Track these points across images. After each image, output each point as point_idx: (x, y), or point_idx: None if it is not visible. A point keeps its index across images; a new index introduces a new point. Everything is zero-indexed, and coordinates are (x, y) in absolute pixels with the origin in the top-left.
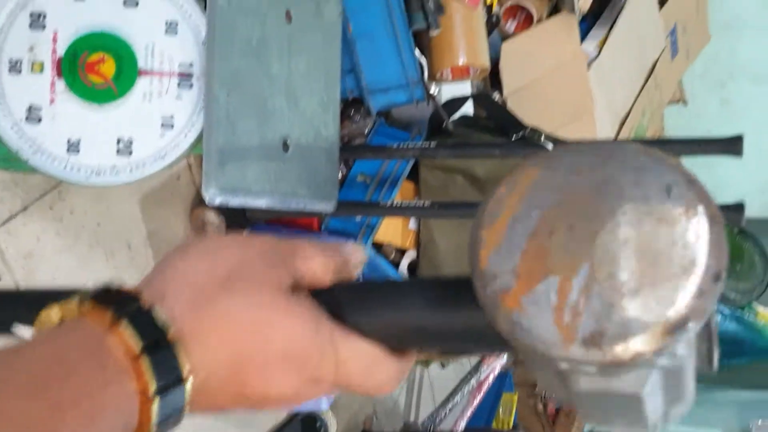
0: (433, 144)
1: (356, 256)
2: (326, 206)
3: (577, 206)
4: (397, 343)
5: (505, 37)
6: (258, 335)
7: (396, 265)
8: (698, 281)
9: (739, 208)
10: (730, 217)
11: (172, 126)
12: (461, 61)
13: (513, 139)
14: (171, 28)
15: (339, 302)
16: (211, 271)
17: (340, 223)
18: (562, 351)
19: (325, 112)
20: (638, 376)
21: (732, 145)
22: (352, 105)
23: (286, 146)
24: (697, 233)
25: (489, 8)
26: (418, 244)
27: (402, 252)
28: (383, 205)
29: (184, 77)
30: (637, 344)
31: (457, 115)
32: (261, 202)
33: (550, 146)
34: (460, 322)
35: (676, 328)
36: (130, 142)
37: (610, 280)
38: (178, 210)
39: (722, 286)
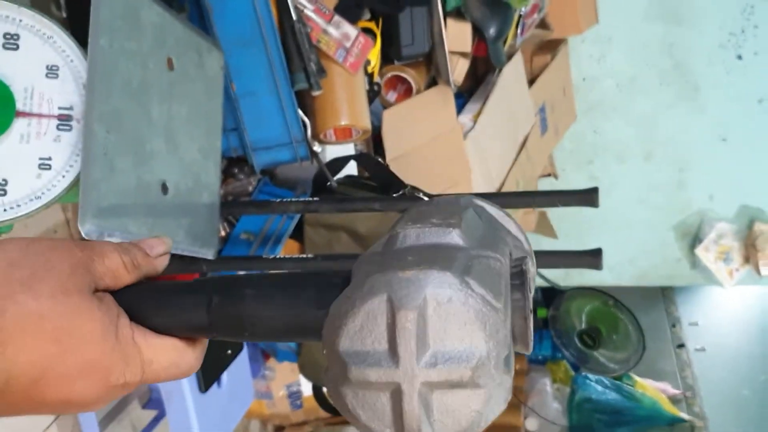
0: (316, 199)
1: (157, 249)
2: (206, 253)
3: None
4: (198, 334)
5: (386, 106)
6: (60, 345)
7: None
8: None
9: (596, 253)
10: (589, 261)
11: (50, 167)
12: (343, 121)
13: (394, 196)
14: (52, 71)
15: (139, 302)
16: (10, 272)
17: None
18: None
19: (205, 160)
20: None
21: (588, 197)
22: (236, 163)
23: (165, 189)
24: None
25: (370, 77)
26: None
27: None
28: (266, 258)
29: (64, 119)
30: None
31: (341, 175)
32: None
33: (425, 198)
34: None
35: None
36: (5, 182)
37: None
38: None
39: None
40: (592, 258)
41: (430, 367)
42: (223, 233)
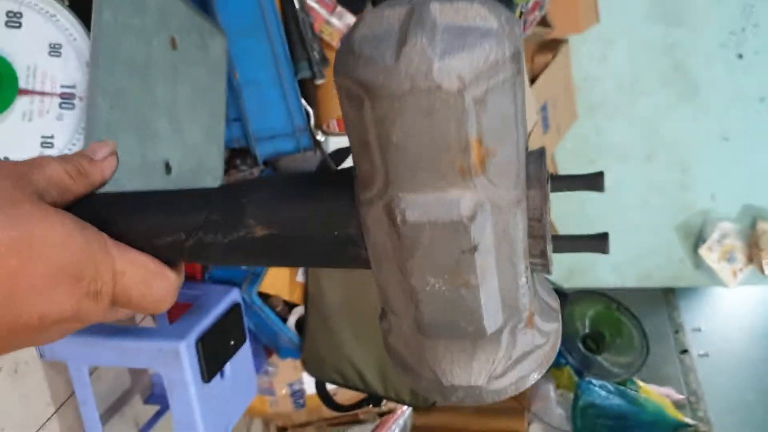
0: None
1: (100, 152)
2: None
3: None
4: (170, 253)
5: None
6: (20, 255)
7: (284, 319)
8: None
9: (603, 237)
10: (595, 245)
11: (52, 145)
12: None
13: None
14: (55, 49)
15: (101, 211)
16: None
17: (224, 271)
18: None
19: (209, 144)
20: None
21: (593, 181)
22: (238, 154)
23: (168, 168)
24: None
25: None
26: (305, 298)
27: (290, 306)
28: None
29: (67, 97)
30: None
31: (345, 165)
32: None
33: None
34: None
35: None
36: (7, 160)
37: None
38: None
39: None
40: (598, 242)
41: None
42: None
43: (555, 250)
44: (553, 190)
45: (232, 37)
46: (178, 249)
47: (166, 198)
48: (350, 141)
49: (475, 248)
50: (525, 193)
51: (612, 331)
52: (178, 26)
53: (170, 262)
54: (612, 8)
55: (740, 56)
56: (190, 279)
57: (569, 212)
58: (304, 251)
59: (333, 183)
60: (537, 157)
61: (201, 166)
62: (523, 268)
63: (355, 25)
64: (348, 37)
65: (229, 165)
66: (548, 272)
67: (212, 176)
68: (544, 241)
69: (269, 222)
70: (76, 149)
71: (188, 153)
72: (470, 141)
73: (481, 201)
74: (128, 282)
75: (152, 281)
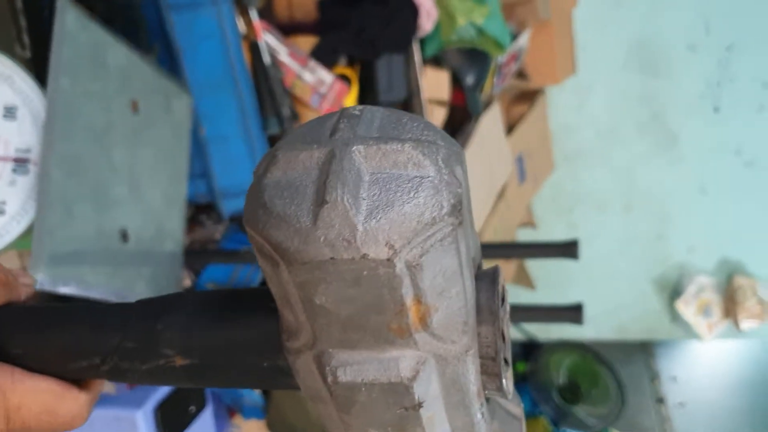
0: None
1: (23, 279)
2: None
3: None
4: (86, 374)
5: None
6: None
7: None
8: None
9: (577, 308)
10: (570, 316)
11: (4, 212)
12: None
13: None
14: (9, 112)
15: (9, 327)
16: None
17: None
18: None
19: (169, 207)
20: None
21: (568, 249)
22: (203, 210)
23: (125, 236)
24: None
25: None
26: None
27: None
28: None
29: (21, 162)
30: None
31: None
32: (94, 293)
33: None
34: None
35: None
36: None
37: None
38: None
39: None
40: (573, 313)
41: (367, 141)
42: (188, 282)
43: (528, 320)
44: (528, 257)
45: (200, 90)
46: (95, 371)
47: (79, 316)
48: (270, 290)
49: (419, 405)
50: (475, 336)
51: (588, 381)
52: (140, 89)
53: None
54: (590, 57)
55: (716, 109)
56: None
57: (544, 263)
58: (231, 379)
59: (258, 304)
60: (489, 284)
61: (160, 230)
62: (478, 407)
63: (267, 164)
64: (258, 182)
65: (193, 221)
66: (506, 398)
67: (172, 240)
68: (500, 378)
69: (188, 351)
70: (29, 217)
71: (147, 218)
72: (406, 304)
73: (424, 358)
74: (26, 415)
75: (58, 406)
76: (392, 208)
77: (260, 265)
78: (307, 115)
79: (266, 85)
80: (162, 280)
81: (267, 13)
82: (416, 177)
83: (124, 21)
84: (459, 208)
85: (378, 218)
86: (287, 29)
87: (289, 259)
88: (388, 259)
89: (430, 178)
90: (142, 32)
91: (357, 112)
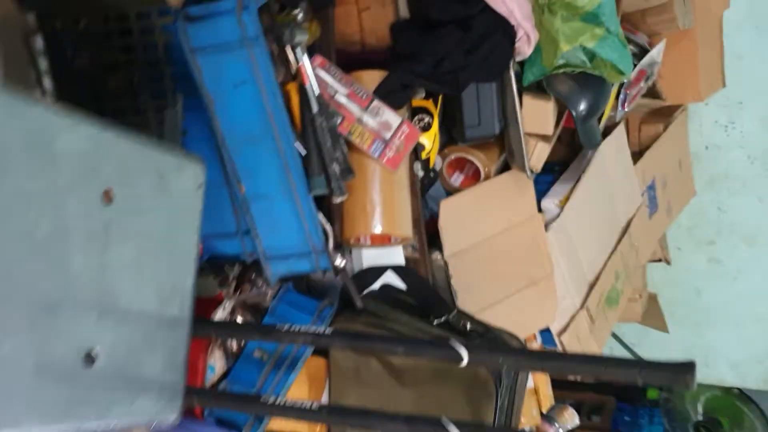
0: (328, 331)
1: None
2: (162, 416)
3: None
4: None
5: (450, 190)
6: None
7: None
8: None
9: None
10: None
11: None
12: (377, 230)
13: (434, 323)
14: None
15: None
16: None
17: (226, 411)
18: None
19: (165, 305)
20: None
21: (680, 375)
22: (253, 267)
23: (90, 359)
24: None
25: (426, 162)
26: None
27: None
28: (265, 400)
29: None
30: None
31: (377, 284)
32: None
33: (462, 351)
34: None
35: None
36: None
37: None
38: None
39: None
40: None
41: None
42: (235, 348)
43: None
44: (625, 378)
45: (235, 144)
46: None
47: None
48: None
49: None
50: None
51: (731, 420)
52: (115, 174)
53: None
54: (743, 67)
55: None
56: (190, 416)
57: (681, 300)
58: None
59: None
60: None
61: (149, 340)
62: None
63: None
64: None
65: (243, 279)
66: None
67: (168, 342)
68: None
69: None
70: None
71: (128, 328)
72: None
73: None
74: None
75: None
76: None
77: None
78: (367, 166)
79: (313, 138)
80: (153, 390)
81: (326, 45)
82: None
83: (147, 67)
84: None
85: None
86: (356, 61)
87: None
88: None
89: None
90: (167, 80)
91: None
